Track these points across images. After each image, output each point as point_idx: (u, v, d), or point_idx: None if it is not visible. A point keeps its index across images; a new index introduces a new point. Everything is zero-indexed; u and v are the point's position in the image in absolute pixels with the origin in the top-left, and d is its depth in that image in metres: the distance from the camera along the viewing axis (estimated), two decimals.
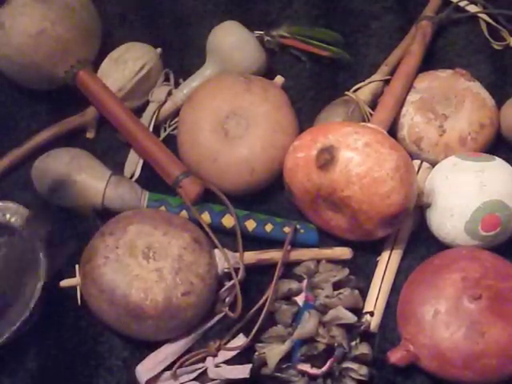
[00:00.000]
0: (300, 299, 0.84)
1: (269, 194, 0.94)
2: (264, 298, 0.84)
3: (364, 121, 0.93)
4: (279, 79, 0.97)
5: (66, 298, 0.86)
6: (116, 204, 0.90)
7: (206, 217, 0.90)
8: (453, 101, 0.94)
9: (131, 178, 0.94)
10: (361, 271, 0.89)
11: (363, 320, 0.84)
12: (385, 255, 0.89)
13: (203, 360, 0.83)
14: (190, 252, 0.84)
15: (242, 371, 0.81)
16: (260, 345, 0.82)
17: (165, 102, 0.98)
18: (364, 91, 0.96)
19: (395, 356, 0.82)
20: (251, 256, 0.88)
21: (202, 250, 0.85)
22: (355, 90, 0.97)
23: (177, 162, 0.92)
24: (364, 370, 0.81)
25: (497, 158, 0.89)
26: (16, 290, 0.85)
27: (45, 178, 0.91)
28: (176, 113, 0.97)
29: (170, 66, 1.00)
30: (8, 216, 0.87)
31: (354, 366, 0.81)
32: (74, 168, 0.90)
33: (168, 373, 0.82)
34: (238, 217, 0.89)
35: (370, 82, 0.97)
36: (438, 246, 0.89)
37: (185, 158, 0.93)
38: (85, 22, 0.96)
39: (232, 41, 0.97)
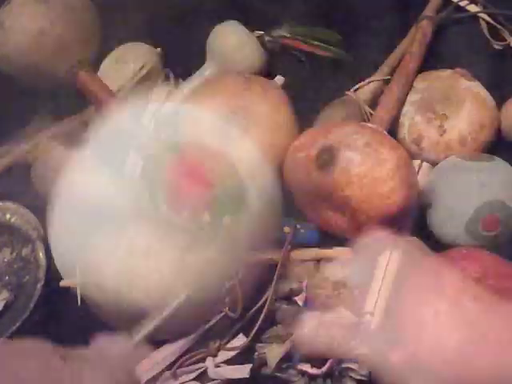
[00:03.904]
0: (300, 299, 0.84)
1: None
2: (264, 298, 0.84)
3: (364, 121, 0.93)
4: (279, 79, 0.97)
5: (65, 297, 0.86)
6: None
7: None
8: (453, 101, 0.94)
9: None
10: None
11: (363, 320, 0.84)
12: (385, 255, 0.89)
13: (203, 360, 0.83)
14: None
15: (242, 371, 0.81)
16: (260, 345, 0.82)
17: (165, 101, 0.98)
18: (364, 91, 0.96)
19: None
20: (251, 256, 0.88)
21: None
22: (355, 90, 0.97)
23: None
24: (364, 370, 0.81)
25: (497, 158, 0.89)
26: (16, 290, 0.85)
27: (45, 178, 0.91)
28: None
29: (170, 66, 1.00)
30: (8, 216, 0.87)
31: (354, 366, 0.81)
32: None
33: (168, 373, 0.82)
34: None
35: (369, 82, 0.97)
36: (438, 245, 0.89)
37: None
38: (85, 22, 0.96)
39: (232, 41, 0.97)
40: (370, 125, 0.89)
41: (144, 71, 0.97)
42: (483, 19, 1.04)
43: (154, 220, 0.66)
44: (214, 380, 0.82)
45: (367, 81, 0.97)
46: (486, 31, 1.03)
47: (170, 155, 0.68)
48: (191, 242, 0.70)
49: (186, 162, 0.68)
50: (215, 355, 0.83)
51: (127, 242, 0.73)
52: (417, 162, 0.92)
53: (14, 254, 0.87)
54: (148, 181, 0.67)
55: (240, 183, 0.71)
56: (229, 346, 0.83)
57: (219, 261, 0.72)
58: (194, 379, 0.82)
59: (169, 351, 0.83)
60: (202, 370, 0.82)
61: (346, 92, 0.97)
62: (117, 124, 0.73)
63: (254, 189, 0.74)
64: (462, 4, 1.05)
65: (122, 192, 0.69)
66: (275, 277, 0.85)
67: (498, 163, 0.88)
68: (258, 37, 1.00)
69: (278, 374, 0.81)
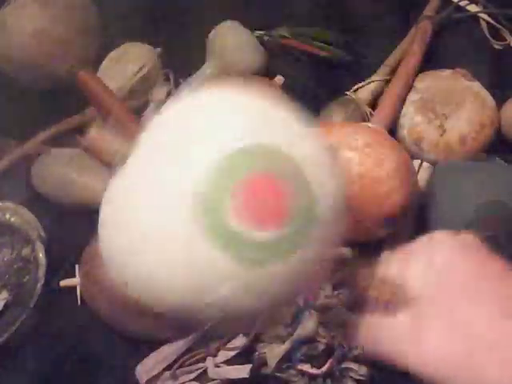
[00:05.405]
0: (300, 299, 0.84)
1: None
2: None
3: (364, 121, 0.93)
4: (279, 79, 0.97)
5: (65, 297, 0.86)
6: None
7: None
8: (453, 101, 0.94)
9: None
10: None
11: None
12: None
13: (203, 360, 0.83)
14: None
15: (242, 371, 0.81)
16: (260, 345, 0.82)
17: (165, 102, 0.98)
18: (364, 91, 0.97)
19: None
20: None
21: None
22: (355, 90, 0.97)
23: None
24: (364, 370, 0.81)
25: (497, 157, 0.89)
26: (16, 290, 0.85)
27: (45, 177, 0.91)
28: None
29: (170, 66, 1.00)
30: (8, 216, 0.87)
31: (354, 366, 0.81)
32: (74, 168, 0.90)
33: (168, 373, 0.82)
34: None
35: (369, 82, 0.97)
36: None
37: None
38: (85, 22, 0.96)
39: (232, 41, 0.97)
40: (370, 125, 0.89)
41: (144, 71, 0.97)
42: (483, 19, 1.04)
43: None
44: (213, 380, 0.82)
45: (367, 81, 0.97)
46: (486, 31, 1.03)
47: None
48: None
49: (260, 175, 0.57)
50: (215, 355, 0.83)
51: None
52: (417, 162, 0.92)
53: (14, 254, 0.87)
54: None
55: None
56: (229, 345, 0.83)
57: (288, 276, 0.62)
58: (193, 379, 0.82)
59: (169, 351, 0.83)
60: (201, 370, 0.82)
61: (346, 92, 0.97)
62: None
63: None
64: (461, 4, 1.05)
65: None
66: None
67: (498, 163, 0.89)
68: (257, 37, 1.00)
69: (278, 374, 0.81)
